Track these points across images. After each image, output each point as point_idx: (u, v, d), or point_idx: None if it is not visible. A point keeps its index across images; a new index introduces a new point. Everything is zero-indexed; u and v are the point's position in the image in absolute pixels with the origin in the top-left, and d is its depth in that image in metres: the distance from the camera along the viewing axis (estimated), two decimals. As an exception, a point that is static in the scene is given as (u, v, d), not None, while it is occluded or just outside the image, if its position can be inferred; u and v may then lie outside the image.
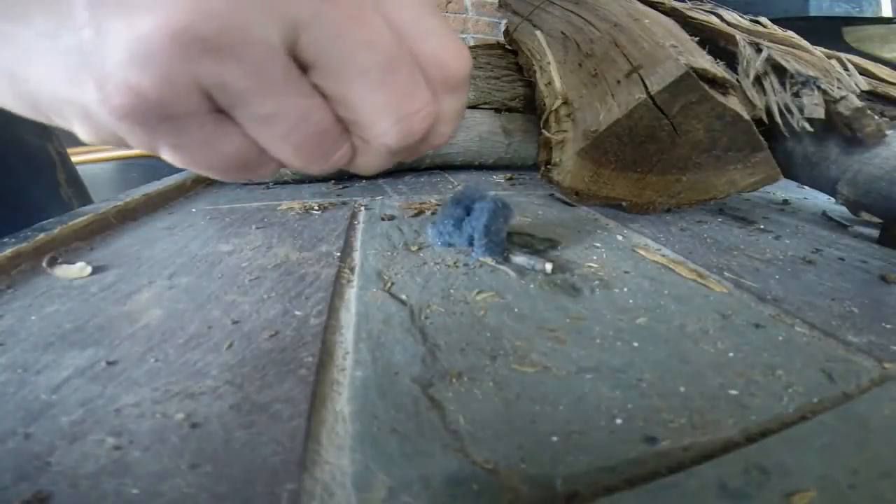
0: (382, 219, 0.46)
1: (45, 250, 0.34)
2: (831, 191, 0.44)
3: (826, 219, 0.50)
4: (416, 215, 0.47)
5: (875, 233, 0.44)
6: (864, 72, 0.46)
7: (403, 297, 0.29)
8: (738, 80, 0.46)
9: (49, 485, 0.15)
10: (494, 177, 0.71)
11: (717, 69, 0.40)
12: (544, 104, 0.55)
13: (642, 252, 0.37)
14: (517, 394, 0.20)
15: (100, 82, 0.13)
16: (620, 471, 0.16)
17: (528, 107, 0.75)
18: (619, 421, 0.18)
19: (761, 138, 0.42)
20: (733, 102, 0.40)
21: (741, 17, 0.55)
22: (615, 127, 0.41)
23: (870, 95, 0.44)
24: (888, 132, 0.39)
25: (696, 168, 0.44)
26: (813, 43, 0.49)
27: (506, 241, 0.35)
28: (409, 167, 0.73)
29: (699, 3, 0.61)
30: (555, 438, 0.17)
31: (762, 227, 0.46)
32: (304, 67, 0.14)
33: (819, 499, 0.15)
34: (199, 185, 0.61)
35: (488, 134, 0.74)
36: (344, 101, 0.15)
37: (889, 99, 0.44)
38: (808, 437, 0.17)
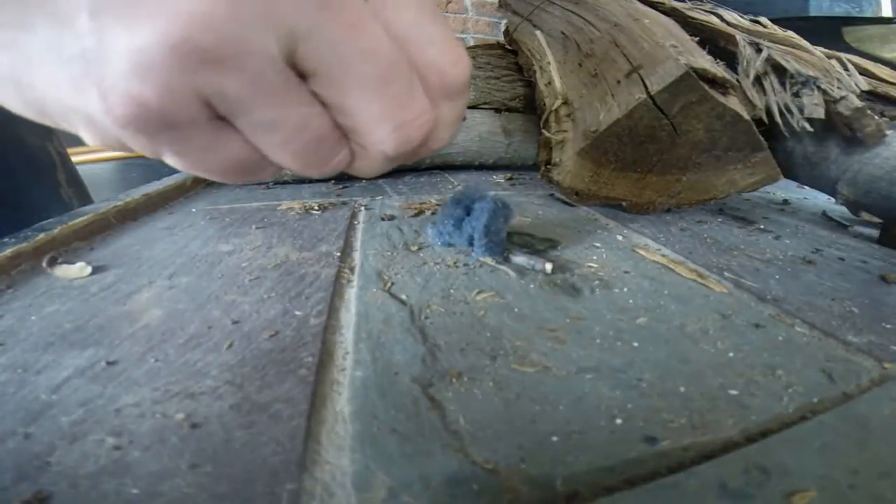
0: (382, 219, 0.46)
1: (45, 250, 0.34)
2: (831, 191, 0.44)
3: (826, 219, 0.50)
4: (416, 215, 0.47)
5: (875, 233, 0.44)
6: (864, 72, 0.46)
7: (403, 297, 0.29)
8: (738, 80, 0.46)
9: (49, 485, 0.15)
10: (494, 177, 0.71)
11: (717, 69, 0.40)
12: (544, 104, 0.55)
13: (642, 252, 0.37)
14: (517, 394, 0.20)
15: (103, 92, 0.13)
16: (620, 471, 0.16)
17: (528, 107, 0.75)
18: (619, 421, 0.18)
19: (761, 138, 0.42)
20: (733, 102, 0.40)
21: (741, 17, 0.55)
22: (615, 127, 0.41)
23: (870, 95, 0.44)
24: (888, 132, 0.39)
25: (696, 168, 0.44)
26: (813, 43, 0.49)
27: (506, 241, 0.35)
28: (409, 167, 0.73)
29: (699, 3, 0.61)
30: (555, 438, 0.17)
31: (762, 227, 0.46)
32: (303, 75, 0.15)
33: (819, 499, 0.15)
34: (199, 185, 0.61)
35: (488, 134, 0.74)
36: (342, 109, 0.15)
37: (889, 99, 0.44)
38: (808, 437, 0.17)
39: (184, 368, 0.22)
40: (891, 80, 0.46)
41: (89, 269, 0.32)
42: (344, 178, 0.67)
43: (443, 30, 0.16)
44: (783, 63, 0.45)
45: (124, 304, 0.28)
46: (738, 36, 0.50)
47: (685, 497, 0.15)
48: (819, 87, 0.42)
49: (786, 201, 0.59)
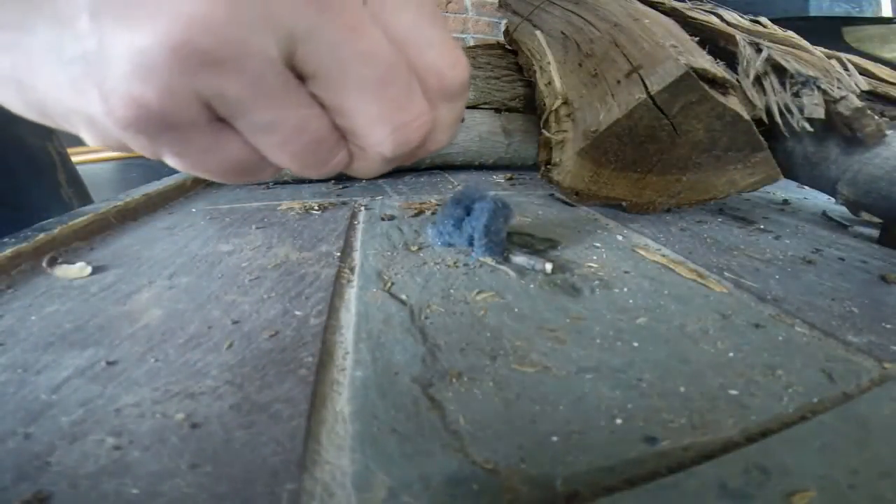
0: (382, 219, 0.46)
1: (45, 250, 0.34)
2: (831, 191, 0.44)
3: (826, 219, 0.50)
4: (416, 215, 0.47)
5: (875, 233, 0.44)
6: (864, 72, 0.46)
7: (403, 297, 0.29)
8: (738, 80, 0.46)
9: (49, 485, 0.15)
10: (494, 177, 0.71)
11: (717, 69, 0.40)
12: (544, 104, 0.55)
13: (642, 252, 0.37)
14: (517, 394, 0.20)
15: (103, 94, 0.13)
16: (620, 471, 0.16)
17: (528, 107, 0.75)
18: (619, 421, 0.18)
19: (761, 138, 0.42)
20: (733, 102, 0.40)
21: (741, 17, 0.55)
22: (615, 127, 0.41)
23: (870, 95, 0.44)
24: (888, 132, 0.39)
25: (696, 168, 0.44)
26: (813, 43, 0.49)
27: (506, 241, 0.35)
28: (409, 167, 0.73)
29: (699, 3, 0.61)
30: (555, 438, 0.17)
31: (762, 227, 0.46)
32: (302, 77, 0.15)
33: (819, 499, 0.15)
34: (199, 185, 0.61)
35: (488, 134, 0.74)
36: (341, 111, 0.15)
37: (889, 99, 0.44)
38: (808, 437, 0.17)
39: (184, 368, 0.22)
40: (891, 80, 0.46)
41: (89, 269, 0.32)
42: (344, 178, 0.67)
43: (441, 32, 0.16)
44: (783, 63, 0.45)
45: (124, 304, 0.28)
46: (738, 36, 0.50)
47: (685, 497, 0.15)
48: (819, 87, 0.42)
49: (786, 201, 0.59)
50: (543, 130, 0.52)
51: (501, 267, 0.33)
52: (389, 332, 0.25)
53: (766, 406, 0.19)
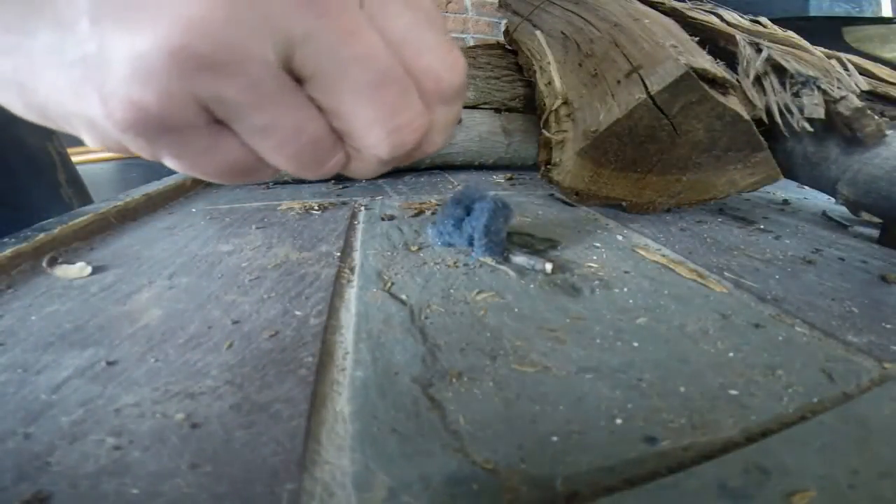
0: (382, 219, 0.46)
1: (45, 250, 0.34)
2: (831, 191, 0.44)
3: (826, 219, 0.50)
4: (416, 215, 0.47)
5: (875, 233, 0.44)
6: (864, 72, 0.46)
7: (403, 297, 0.29)
8: (738, 80, 0.46)
9: (49, 485, 0.15)
10: (494, 177, 0.71)
11: (717, 69, 0.40)
12: (544, 104, 0.55)
13: (642, 252, 0.37)
14: (517, 394, 0.20)
15: (103, 96, 0.13)
16: (620, 471, 0.16)
17: (528, 107, 0.75)
18: (619, 421, 0.18)
19: (761, 138, 0.42)
20: (733, 102, 0.40)
21: (741, 17, 0.55)
22: (615, 127, 0.41)
23: (870, 95, 0.44)
24: (888, 132, 0.39)
25: (696, 168, 0.44)
26: (813, 43, 0.49)
27: (506, 241, 0.35)
28: (409, 167, 0.73)
29: (699, 3, 0.61)
30: (555, 438, 0.17)
31: (762, 227, 0.46)
32: (299, 80, 0.15)
33: (819, 499, 0.15)
34: (199, 185, 0.61)
35: (488, 134, 0.74)
36: (337, 113, 0.16)
37: (889, 99, 0.44)
38: (808, 437, 0.17)
39: (184, 368, 0.22)
40: (891, 80, 0.46)
41: (89, 269, 0.32)
42: (344, 179, 0.67)
43: (438, 36, 0.16)
44: (783, 63, 0.45)
45: (124, 304, 0.28)
46: (738, 36, 0.50)
47: (685, 497, 0.15)
48: (819, 87, 0.42)
49: (786, 201, 0.59)
50: (543, 130, 0.52)
51: (501, 267, 0.33)
52: (389, 332, 0.25)
53: (766, 406, 0.19)
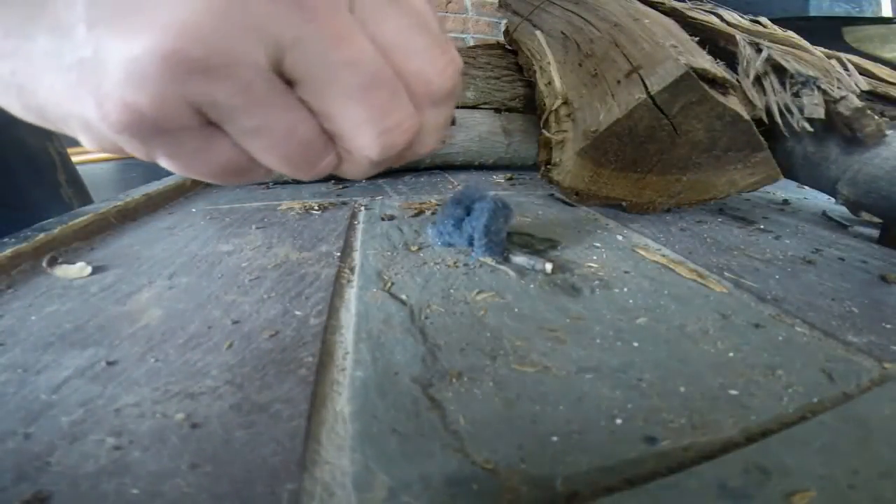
0: (382, 219, 0.46)
1: (45, 250, 0.34)
2: (831, 191, 0.44)
3: (826, 219, 0.50)
4: (416, 215, 0.47)
5: (875, 233, 0.44)
6: (864, 72, 0.46)
7: (403, 297, 0.29)
8: (738, 80, 0.46)
9: (49, 485, 0.15)
10: (494, 177, 0.71)
11: (717, 69, 0.40)
12: (544, 104, 0.55)
13: (642, 252, 0.37)
14: (517, 394, 0.20)
15: (99, 99, 0.13)
16: (620, 471, 0.16)
17: (528, 107, 0.75)
18: (619, 421, 0.18)
19: (761, 138, 0.42)
20: (733, 102, 0.40)
21: (741, 17, 0.55)
22: (615, 127, 0.41)
23: (870, 95, 0.44)
24: (888, 132, 0.39)
25: (696, 168, 0.44)
26: (813, 43, 0.49)
27: (506, 241, 0.35)
28: (409, 168, 0.73)
29: (699, 3, 0.61)
30: (555, 438, 0.17)
31: (762, 227, 0.46)
32: (290, 82, 0.15)
33: (819, 499, 0.15)
34: (199, 185, 0.61)
35: (488, 134, 0.74)
36: (327, 116, 0.16)
37: (889, 99, 0.44)
38: (808, 437, 0.17)
39: (184, 368, 0.22)
40: (891, 80, 0.46)
41: (89, 269, 0.32)
42: (343, 179, 0.66)
43: (429, 39, 0.17)
44: (783, 63, 0.45)
45: (124, 304, 0.28)
46: (738, 36, 0.50)
47: (685, 497, 0.15)
48: (819, 87, 0.42)
49: (786, 201, 0.59)
50: (543, 130, 0.52)
51: (501, 267, 0.33)
52: (389, 332, 0.25)
53: (766, 406, 0.19)
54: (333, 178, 0.66)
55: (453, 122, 0.72)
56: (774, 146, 0.44)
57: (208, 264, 0.34)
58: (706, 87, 0.39)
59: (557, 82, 0.54)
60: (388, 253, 0.36)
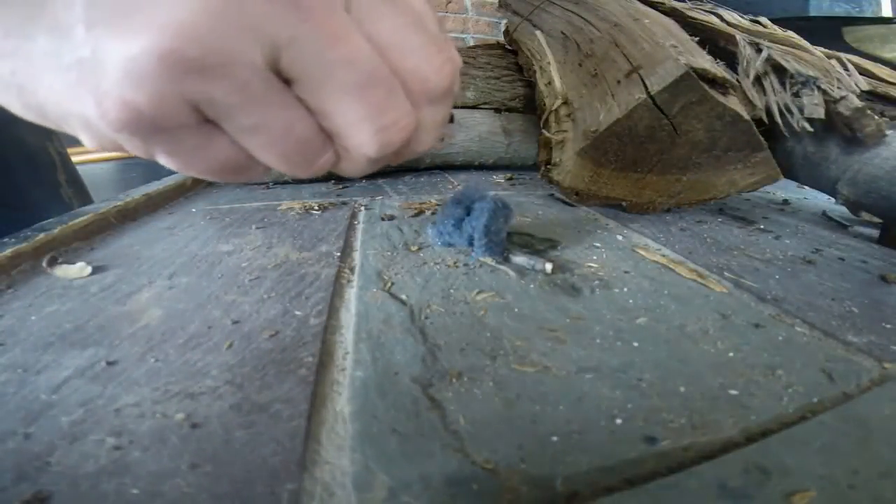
0: (382, 219, 0.46)
1: (45, 250, 0.34)
2: (831, 191, 0.44)
3: (826, 219, 0.50)
4: (416, 215, 0.47)
5: (875, 233, 0.44)
6: (864, 72, 0.46)
7: (403, 297, 0.29)
8: (738, 80, 0.46)
9: (49, 485, 0.15)
10: (494, 177, 0.71)
11: (717, 69, 0.40)
12: (544, 104, 0.55)
13: (642, 252, 0.37)
14: (517, 394, 0.20)
15: (98, 98, 0.14)
16: (620, 471, 0.16)
17: (528, 107, 0.75)
18: (619, 421, 0.18)
19: (761, 138, 0.42)
20: (733, 102, 0.40)
21: (741, 17, 0.55)
22: (615, 127, 0.41)
23: (870, 95, 0.44)
24: (888, 132, 0.39)
25: (696, 168, 0.44)
26: (813, 43, 0.49)
27: (506, 241, 0.35)
28: (408, 167, 0.73)
29: (699, 3, 0.61)
30: (555, 438, 0.17)
31: (762, 227, 0.46)
32: (287, 81, 0.15)
33: (819, 499, 0.15)
34: (199, 185, 0.61)
35: (488, 134, 0.74)
36: (325, 114, 0.16)
37: (889, 99, 0.44)
38: (808, 437, 0.17)
39: (184, 368, 0.22)
40: (891, 80, 0.46)
41: (89, 269, 0.32)
42: (343, 178, 0.67)
43: (425, 37, 0.17)
44: (783, 63, 0.45)
45: (124, 304, 0.28)
46: (738, 36, 0.50)
47: (685, 497, 0.15)
48: (819, 87, 0.42)
49: (786, 201, 0.59)
50: (543, 130, 0.52)
51: (501, 267, 0.33)
52: (389, 332, 0.25)
53: (766, 406, 0.19)
54: (333, 178, 0.66)
55: (452, 121, 0.72)
56: (774, 146, 0.44)
57: (208, 264, 0.34)
58: (706, 87, 0.39)
59: (557, 82, 0.54)
60: (388, 253, 0.36)
